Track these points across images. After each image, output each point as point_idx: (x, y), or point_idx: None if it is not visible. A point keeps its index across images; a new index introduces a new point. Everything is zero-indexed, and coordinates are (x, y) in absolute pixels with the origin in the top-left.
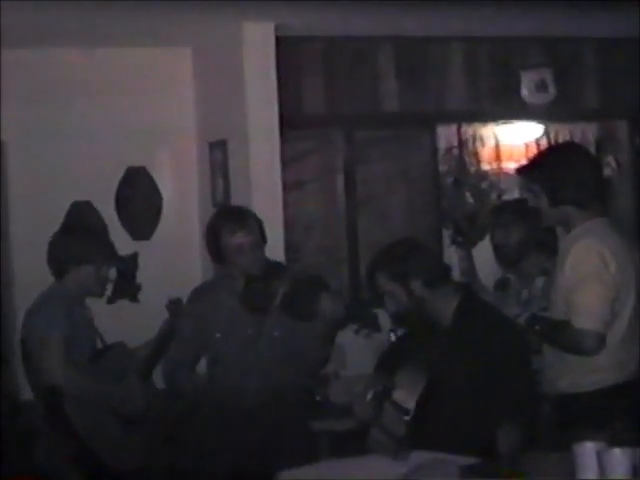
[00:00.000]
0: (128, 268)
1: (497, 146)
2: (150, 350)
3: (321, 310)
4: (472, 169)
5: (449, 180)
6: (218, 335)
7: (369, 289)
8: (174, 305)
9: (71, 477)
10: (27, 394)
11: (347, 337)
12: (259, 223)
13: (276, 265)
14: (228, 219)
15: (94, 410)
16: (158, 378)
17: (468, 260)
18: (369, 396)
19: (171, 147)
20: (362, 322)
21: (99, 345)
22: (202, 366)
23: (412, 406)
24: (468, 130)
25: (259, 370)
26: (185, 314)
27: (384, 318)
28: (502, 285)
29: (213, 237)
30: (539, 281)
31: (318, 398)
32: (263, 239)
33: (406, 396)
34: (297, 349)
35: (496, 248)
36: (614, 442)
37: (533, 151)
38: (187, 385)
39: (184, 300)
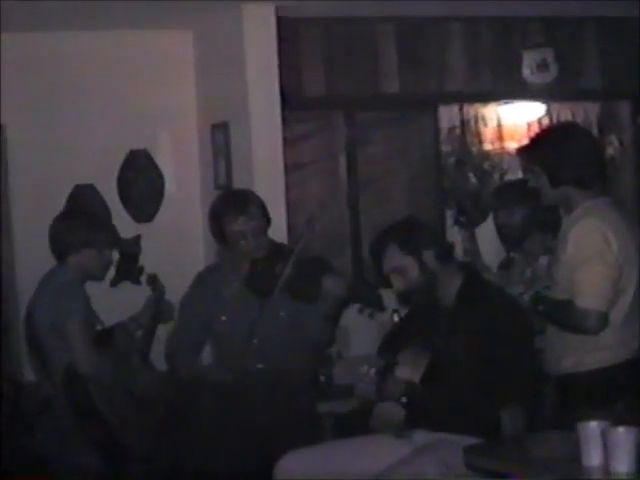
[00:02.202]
0: (131, 250)
1: (499, 126)
2: (144, 331)
3: (324, 291)
4: (474, 149)
5: (451, 161)
6: (223, 318)
7: (375, 269)
8: (152, 281)
9: (71, 458)
10: (29, 376)
11: (350, 318)
12: (262, 207)
13: (280, 247)
14: (230, 205)
15: (117, 395)
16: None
17: (471, 240)
18: (371, 372)
19: (173, 129)
20: (366, 301)
21: (98, 327)
22: (206, 353)
23: (416, 381)
24: (470, 110)
25: (264, 352)
26: (190, 297)
27: (388, 300)
28: (506, 265)
29: (216, 223)
30: (543, 260)
31: (322, 379)
32: (267, 222)
33: (409, 372)
34: (303, 330)
35: (499, 228)
36: (618, 421)
37: (535, 131)
38: (190, 370)
39: (190, 282)
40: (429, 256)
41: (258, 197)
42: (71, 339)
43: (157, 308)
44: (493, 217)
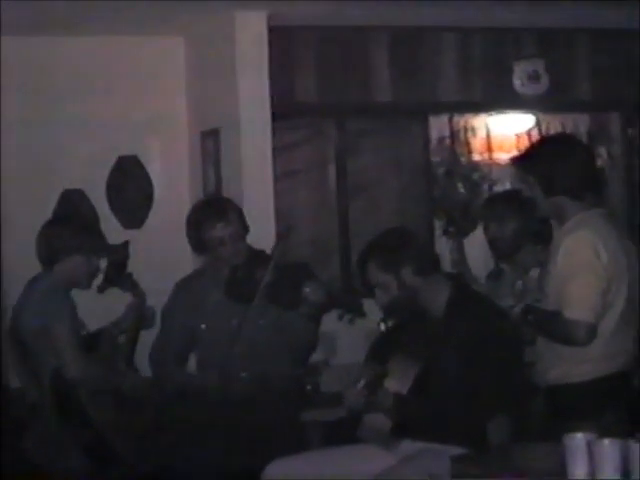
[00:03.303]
0: (119, 257)
1: (488, 137)
2: (127, 336)
3: (304, 297)
4: (464, 160)
5: (441, 171)
6: (203, 326)
7: (361, 282)
8: (133, 286)
9: (59, 463)
10: (14, 382)
11: (336, 325)
12: (240, 213)
13: (259, 254)
14: (207, 211)
15: (104, 398)
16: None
17: (459, 251)
18: (360, 384)
19: (163, 136)
20: (345, 307)
21: (82, 332)
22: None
23: (405, 392)
24: (460, 121)
25: (248, 360)
26: (171, 306)
27: (375, 308)
28: (495, 276)
29: (193, 230)
30: (534, 272)
31: (308, 387)
32: (245, 229)
33: (398, 384)
34: (285, 336)
35: (491, 242)
36: (604, 433)
37: (524, 142)
38: (176, 378)
39: (170, 291)
40: (407, 273)
41: (235, 204)
42: (58, 343)
43: (138, 314)
44: (484, 230)
